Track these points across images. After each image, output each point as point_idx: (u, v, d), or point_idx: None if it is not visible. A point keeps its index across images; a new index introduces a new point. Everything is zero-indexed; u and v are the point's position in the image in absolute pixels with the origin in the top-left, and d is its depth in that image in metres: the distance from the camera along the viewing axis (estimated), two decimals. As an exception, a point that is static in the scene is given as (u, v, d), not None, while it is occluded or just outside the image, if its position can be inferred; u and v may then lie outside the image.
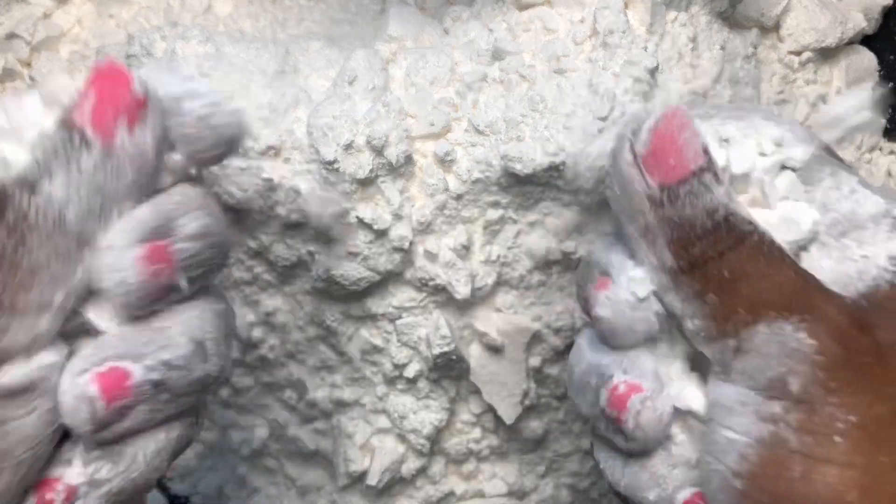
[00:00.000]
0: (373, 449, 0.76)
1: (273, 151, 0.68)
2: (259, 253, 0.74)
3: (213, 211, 0.50)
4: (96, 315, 0.46)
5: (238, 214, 0.59)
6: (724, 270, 0.44)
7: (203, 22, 0.84)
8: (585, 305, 0.53)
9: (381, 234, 0.68)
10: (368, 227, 0.68)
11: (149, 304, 0.46)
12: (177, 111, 0.48)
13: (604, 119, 0.65)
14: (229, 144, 0.52)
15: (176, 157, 0.50)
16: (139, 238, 0.45)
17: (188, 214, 0.47)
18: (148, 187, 0.47)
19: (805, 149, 0.50)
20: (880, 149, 0.88)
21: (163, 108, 0.47)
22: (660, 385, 0.49)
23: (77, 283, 0.45)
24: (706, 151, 0.46)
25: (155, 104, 0.46)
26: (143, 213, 0.46)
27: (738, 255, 0.44)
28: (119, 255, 0.45)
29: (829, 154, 0.52)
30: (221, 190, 0.71)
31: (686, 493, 0.49)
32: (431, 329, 0.71)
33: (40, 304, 0.44)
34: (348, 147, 0.66)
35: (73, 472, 0.46)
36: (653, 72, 0.67)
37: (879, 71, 0.88)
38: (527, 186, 0.68)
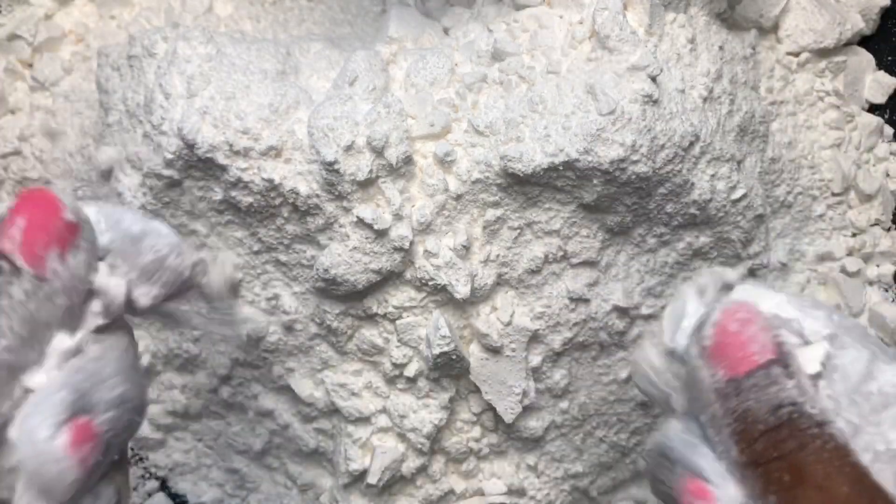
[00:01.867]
0: (373, 448, 0.77)
1: (274, 152, 0.68)
2: (259, 252, 0.74)
3: (129, 373, 0.47)
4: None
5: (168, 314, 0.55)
6: (784, 474, 0.43)
7: (204, 23, 0.84)
8: (669, 499, 0.51)
9: (382, 234, 0.68)
10: (368, 227, 0.68)
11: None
12: (136, 248, 0.48)
13: (603, 119, 0.66)
14: (187, 282, 0.51)
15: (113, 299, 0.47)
16: (61, 420, 0.42)
17: (105, 383, 0.45)
18: (81, 310, 0.45)
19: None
20: (879, 150, 0.88)
21: (92, 230, 0.46)
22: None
23: (4, 412, 0.42)
24: (780, 345, 0.45)
25: (86, 227, 0.45)
26: (60, 393, 0.42)
27: (798, 460, 0.43)
28: (46, 446, 0.41)
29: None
30: (226, 194, 0.71)
31: None
32: (431, 329, 0.72)
33: None
34: (349, 148, 0.67)
35: None
36: (652, 73, 0.67)
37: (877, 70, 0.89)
38: (526, 186, 0.69)
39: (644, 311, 0.75)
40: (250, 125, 0.68)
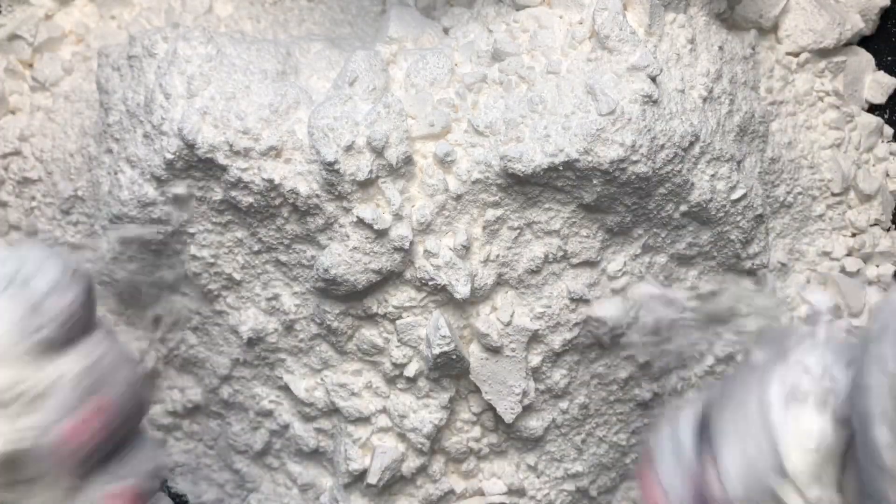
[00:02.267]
0: (373, 448, 0.77)
1: (274, 152, 0.69)
2: (259, 252, 0.74)
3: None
4: None
5: None
6: None
7: (204, 23, 0.84)
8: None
9: (382, 234, 0.68)
10: (368, 227, 0.68)
11: None
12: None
13: (603, 120, 0.66)
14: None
15: None
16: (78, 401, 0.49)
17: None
18: None
19: None
20: (878, 150, 0.88)
21: None
22: None
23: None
24: None
25: None
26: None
27: None
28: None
29: None
30: (226, 194, 0.71)
31: None
32: (431, 329, 0.72)
33: None
34: (349, 148, 0.67)
35: None
36: (651, 73, 0.67)
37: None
38: (526, 186, 0.69)
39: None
40: (250, 125, 0.68)
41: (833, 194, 0.85)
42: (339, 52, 0.76)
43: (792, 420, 0.45)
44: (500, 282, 0.72)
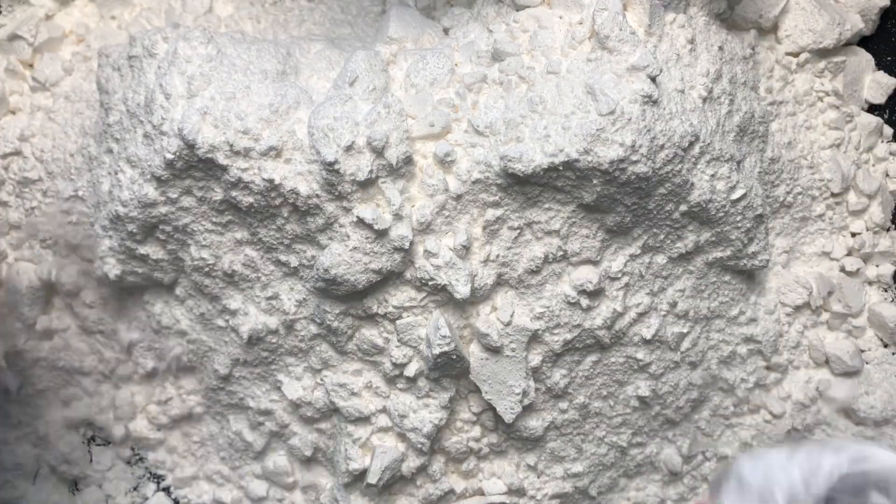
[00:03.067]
0: (373, 447, 0.77)
1: (274, 152, 0.69)
2: (260, 252, 0.74)
3: None
4: None
5: None
6: None
7: (204, 23, 0.85)
8: None
9: (382, 234, 0.68)
10: (369, 227, 0.68)
11: None
12: None
13: (602, 120, 0.66)
14: None
15: None
16: None
17: None
18: None
19: None
20: (878, 150, 0.88)
21: None
22: None
23: None
24: None
25: None
26: None
27: None
28: None
29: None
30: (226, 194, 0.71)
31: None
32: (431, 329, 0.72)
33: None
34: (349, 148, 0.67)
35: None
36: (651, 73, 0.67)
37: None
38: (526, 186, 0.69)
39: (644, 311, 0.75)
40: (251, 125, 0.68)
41: (833, 194, 0.85)
42: (339, 53, 0.77)
43: None
44: (500, 282, 0.72)
